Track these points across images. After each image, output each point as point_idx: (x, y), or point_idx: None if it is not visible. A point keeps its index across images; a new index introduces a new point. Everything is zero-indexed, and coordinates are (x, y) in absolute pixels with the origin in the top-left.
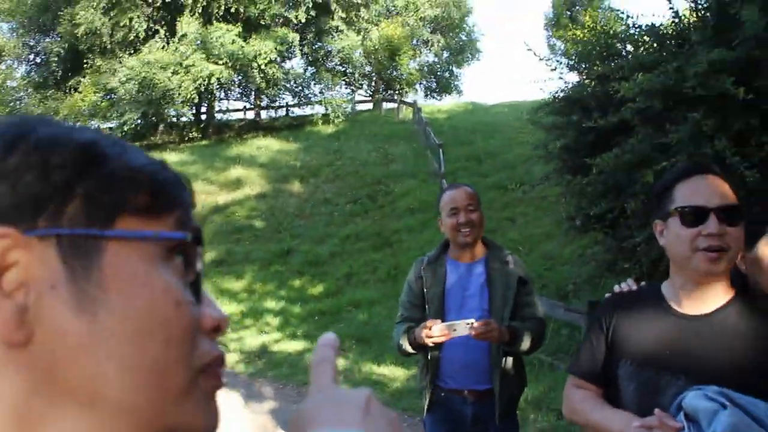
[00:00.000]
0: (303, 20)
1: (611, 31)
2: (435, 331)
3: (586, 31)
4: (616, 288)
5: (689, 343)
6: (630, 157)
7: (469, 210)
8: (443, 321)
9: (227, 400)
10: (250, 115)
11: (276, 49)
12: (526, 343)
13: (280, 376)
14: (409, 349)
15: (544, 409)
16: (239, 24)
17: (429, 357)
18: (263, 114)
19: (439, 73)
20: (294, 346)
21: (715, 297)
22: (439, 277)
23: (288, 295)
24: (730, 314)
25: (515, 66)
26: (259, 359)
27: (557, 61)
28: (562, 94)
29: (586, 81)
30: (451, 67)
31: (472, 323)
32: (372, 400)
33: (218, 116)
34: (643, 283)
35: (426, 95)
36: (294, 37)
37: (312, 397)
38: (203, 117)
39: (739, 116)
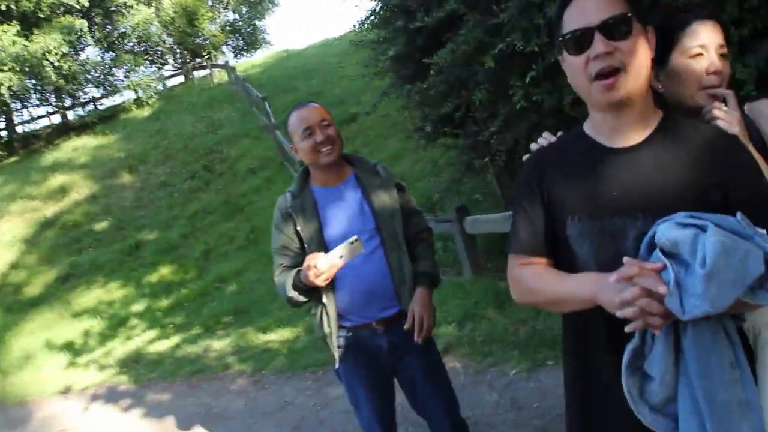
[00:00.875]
0: (87, 4)
1: None
2: (322, 267)
3: None
4: (534, 146)
5: (635, 177)
6: (466, 48)
7: (324, 126)
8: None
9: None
10: (56, 118)
11: (65, 40)
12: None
13: (165, 374)
14: (300, 297)
15: (443, 324)
16: (15, 22)
17: (324, 299)
18: (70, 114)
19: (243, 30)
20: (170, 341)
21: (643, 122)
22: (310, 209)
23: (149, 291)
24: (666, 136)
25: (318, 5)
26: (137, 365)
27: None
28: (380, 4)
29: None
30: (253, 21)
31: (356, 239)
32: None
33: (21, 129)
34: (560, 133)
35: (236, 55)
36: (81, 23)
37: None
38: (4, 133)
39: None
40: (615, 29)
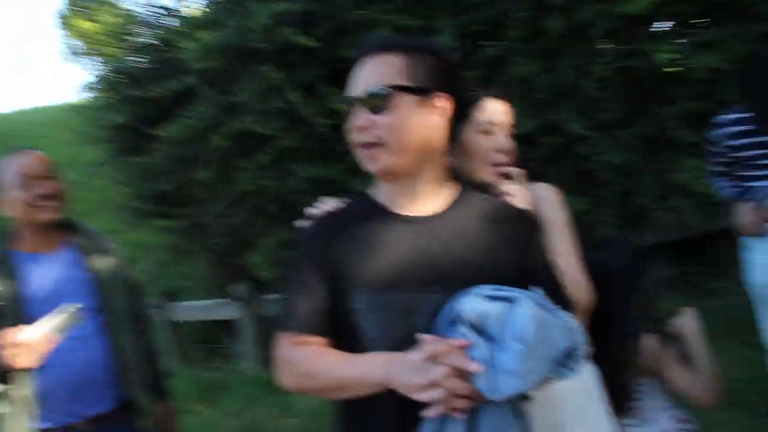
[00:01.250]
0: None
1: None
2: (30, 339)
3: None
4: (312, 211)
5: (430, 248)
6: (198, 124)
7: (50, 178)
8: None
9: None
10: None
11: None
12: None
13: None
14: None
15: None
16: None
17: (12, 392)
18: None
19: None
20: None
21: (437, 192)
22: (9, 279)
23: None
24: (464, 209)
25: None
26: None
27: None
28: (109, 73)
29: (134, 54)
30: None
31: (79, 307)
32: None
33: None
34: (345, 198)
35: None
36: None
37: None
38: None
39: (305, 67)
40: (372, 103)
